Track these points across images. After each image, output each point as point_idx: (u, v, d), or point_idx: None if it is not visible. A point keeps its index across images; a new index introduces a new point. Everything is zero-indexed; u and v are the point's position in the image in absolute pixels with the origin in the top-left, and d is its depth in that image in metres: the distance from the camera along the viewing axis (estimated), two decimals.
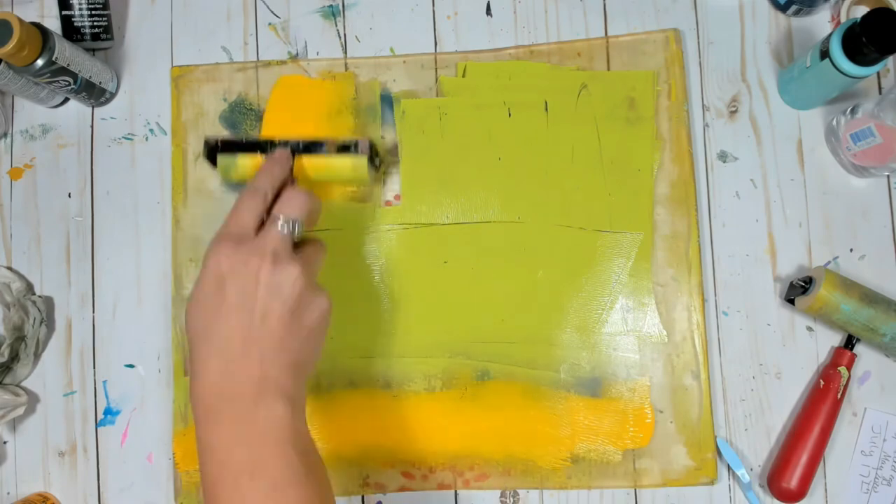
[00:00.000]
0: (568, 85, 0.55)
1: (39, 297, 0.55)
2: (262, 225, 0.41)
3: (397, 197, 0.55)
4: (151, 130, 0.57)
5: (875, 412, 0.51)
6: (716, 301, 0.54)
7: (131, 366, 0.55)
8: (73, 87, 0.53)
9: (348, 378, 0.53)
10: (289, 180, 0.44)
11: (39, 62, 0.49)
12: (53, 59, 0.50)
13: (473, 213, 0.54)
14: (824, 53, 0.48)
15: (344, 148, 0.46)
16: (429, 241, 0.54)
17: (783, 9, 0.56)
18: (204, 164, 0.55)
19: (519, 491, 0.52)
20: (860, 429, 0.51)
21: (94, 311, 0.56)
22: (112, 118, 0.58)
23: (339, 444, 0.53)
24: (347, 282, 0.54)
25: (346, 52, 0.57)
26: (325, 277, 0.43)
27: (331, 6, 0.58)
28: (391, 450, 0.53)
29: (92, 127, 0.58)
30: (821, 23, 0.56)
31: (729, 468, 0.52)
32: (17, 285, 0.55)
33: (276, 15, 0.58)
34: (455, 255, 0.54)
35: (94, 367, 0.55)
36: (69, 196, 0.57)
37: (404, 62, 0.56)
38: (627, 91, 0.54)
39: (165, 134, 0.57)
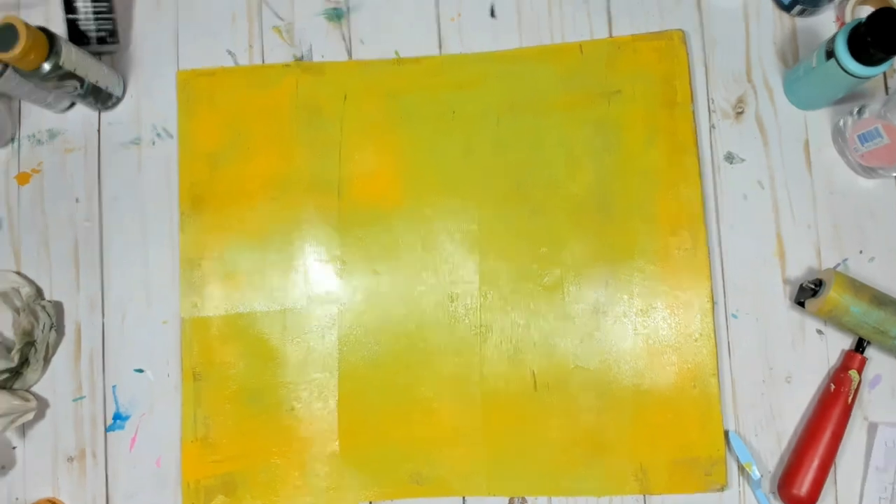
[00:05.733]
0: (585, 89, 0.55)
1: (49, 301, 0.55)
2: None
3: None
4: (158, 134, 0.57)
5: (886, 427, 0.51)
6: (725, 304, 0.54)
7: (140, 370, 0.55)
8: (79, 91, 0.53)
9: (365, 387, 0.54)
10: None
11: (46, 66, 0.49)
12: (60, 63, 0.50)
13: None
14: (830, 54, 0.48)
15: None
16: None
17: (787, 9, 0.55)
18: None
19: (527, 497, 0.52)
20: (873, 446, 0.51)
21: (103, 316, 0.56)
22: (119, 122, 0.58)
23: (348, 448, 0.53)
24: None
25: (350, 55, 0.57)
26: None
27: (335, 9, 0.58)
28: (402, 455, 0.53)
29: (99, 131, 0.58)
30: (826, 23, 0.56)
31: (739, 470, 0.51)
32: (26, 290, 0.55)
33: (280, 18, 0.58)
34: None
35: (104, 372, 0.55)
36: (77, 201, 0.57)
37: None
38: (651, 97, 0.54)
39: (172, 138, 0.57)
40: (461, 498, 0.53)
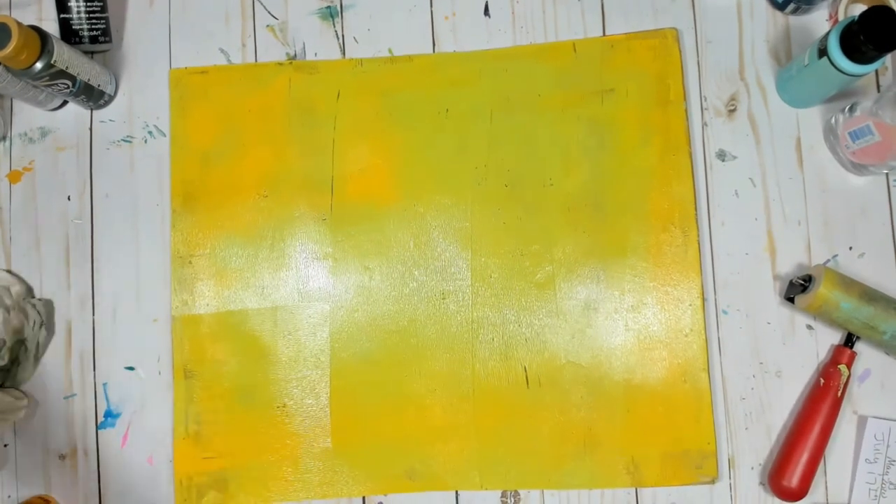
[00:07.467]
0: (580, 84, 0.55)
1: (39, 300, 0.55)
2: None
3: None
4: (150, 133, 0.57)
5: (875, 420, 0.51)
6: (715, 300, 0.54)
7: (131, 368, 0.55)
8: (71, 89, 0.53)
9: (357, 382, 0.54)
10: None
11: (38, 65, 0.49)
12: (52, 62, 0.50)
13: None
14: (822, 52, 0.48)
15: None
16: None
17: (781, 7, 0.56)
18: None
19: (520, 491, 0.52)
20: (863, 438, 0.51)
21: (93, 314, 0.56)
22: (111, 121, 0.58)
23: (341, 444, 0.53)
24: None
25: (344, 54, 0.57)
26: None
27: (329, 7, 0.58)
28: (395, 451, 0.53)
29: (91, 129, 0.58)
30: (819, 21, 0.56)
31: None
32: (16, 288, 0.55)
33: (273, 16, 0.58)
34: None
35: (95, 370, 0.55)
36: (68, 199, 0.57)
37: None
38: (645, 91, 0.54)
39: (164, 136, 0.57)
40: (454, 492, 0.53)
